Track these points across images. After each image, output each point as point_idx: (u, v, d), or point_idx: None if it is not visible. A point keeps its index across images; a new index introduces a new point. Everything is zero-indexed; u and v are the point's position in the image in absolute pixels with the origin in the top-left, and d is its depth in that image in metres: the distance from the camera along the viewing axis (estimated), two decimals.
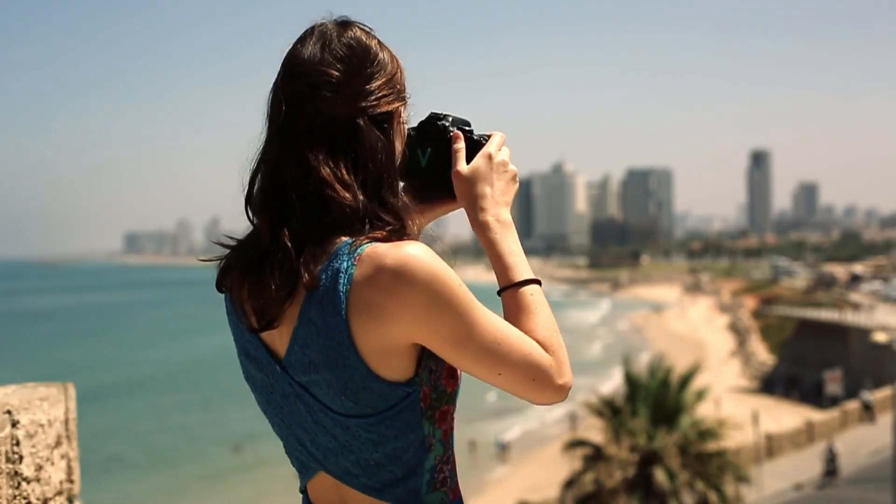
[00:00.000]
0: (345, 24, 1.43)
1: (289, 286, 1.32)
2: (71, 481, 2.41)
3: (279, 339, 1.37)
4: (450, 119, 1.54)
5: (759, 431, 29.90)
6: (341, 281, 1.29)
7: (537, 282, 1.45)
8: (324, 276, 1.31)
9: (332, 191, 1.33)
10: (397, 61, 1.45)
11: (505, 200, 1.52)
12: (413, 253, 1.29)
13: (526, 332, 1.38)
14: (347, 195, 1.33)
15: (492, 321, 1.34)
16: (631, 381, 22.28)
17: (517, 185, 1.56)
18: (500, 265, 1.46)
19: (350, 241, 1.32)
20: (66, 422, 2.40)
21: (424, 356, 1.35)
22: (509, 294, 1.43)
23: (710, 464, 20.73)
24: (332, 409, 1.34)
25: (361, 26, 1.44)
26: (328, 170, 1.34)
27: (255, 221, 1.40)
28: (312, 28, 1.43)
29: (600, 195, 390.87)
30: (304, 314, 1.32)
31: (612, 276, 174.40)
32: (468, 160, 1.52)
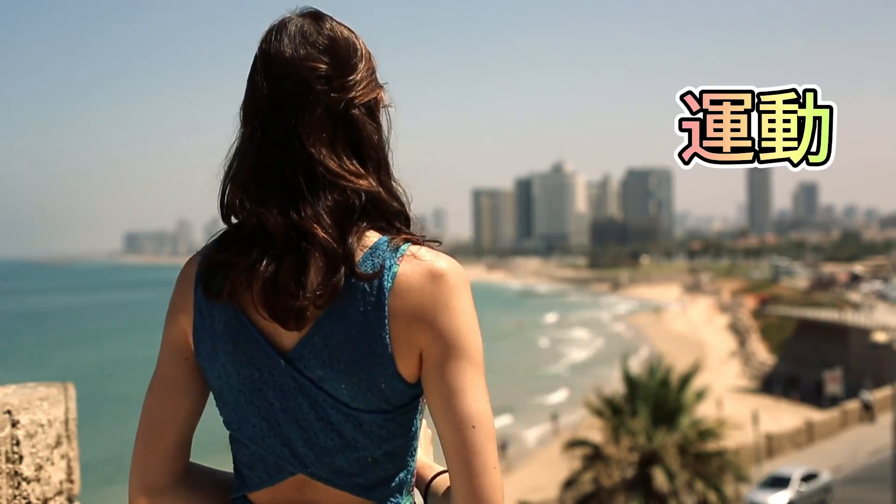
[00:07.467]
0: (318, 17, 1.38)
1: (334, 276, 1.27)
2: (71, 481, 2.41)
3: (285, 330, 1.32)
4: None
5: (759, 431, 29.96)
6: (385, 277, 1.28)
7: None
8: (366, 268, 1.29)
9: (347, 182, 1.31)
10: (367, 48, 1.42)
11: None
12: (455, 263, 1.33)
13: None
14: (364, 182, 1.33)
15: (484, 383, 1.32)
16: (630, 380, 22.30)
17: None
18: None
19: (387, 237, 1.32)
20: (66, 422, 2.40)
21: None
22: None
23: (709, 464, 20.73)
24: (347, 405, 1.30)
25: (332, 17, 1.40)
26: (334, 163, 1.31)
27: (252, 216, 1.32)
28: (283, 23, 1.37)
29: (600, 195, 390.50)
30: (337, 304, 1.29)
31: (612, 276, 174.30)
32: None
